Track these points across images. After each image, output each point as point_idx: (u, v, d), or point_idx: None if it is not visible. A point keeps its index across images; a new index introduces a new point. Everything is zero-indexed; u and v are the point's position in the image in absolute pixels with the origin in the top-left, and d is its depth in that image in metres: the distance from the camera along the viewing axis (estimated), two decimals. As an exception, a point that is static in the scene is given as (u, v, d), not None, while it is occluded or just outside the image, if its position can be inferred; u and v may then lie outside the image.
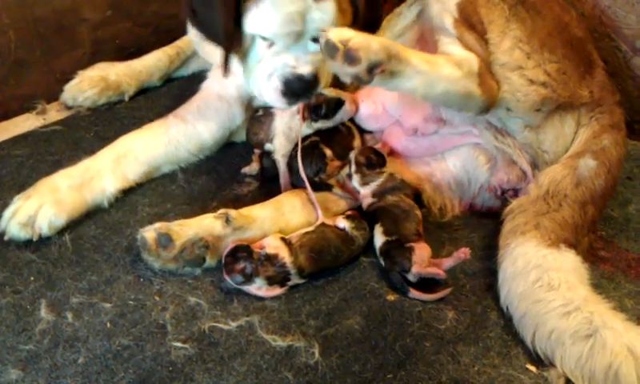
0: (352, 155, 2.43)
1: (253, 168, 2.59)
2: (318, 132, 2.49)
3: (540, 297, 2.00)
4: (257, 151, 2.60)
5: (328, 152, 2.43)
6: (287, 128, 2.48)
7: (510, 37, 2.27)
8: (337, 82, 2.39)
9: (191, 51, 3.15)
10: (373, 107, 2.55)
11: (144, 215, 2.37)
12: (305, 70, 2.23)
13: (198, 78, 2.77)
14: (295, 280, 2.12)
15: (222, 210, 2.19)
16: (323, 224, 2.24)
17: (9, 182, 2.47)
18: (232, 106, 2.61)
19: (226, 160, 2.66)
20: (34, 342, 1.90)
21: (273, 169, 2.51)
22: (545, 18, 2.32)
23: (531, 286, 2.03)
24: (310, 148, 2.41)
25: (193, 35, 2.52)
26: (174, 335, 1.95)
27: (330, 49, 1.93)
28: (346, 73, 1.95)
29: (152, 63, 3.09)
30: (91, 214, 2.34)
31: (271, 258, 2.09)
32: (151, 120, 2.61)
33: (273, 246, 2.13)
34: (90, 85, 2.92)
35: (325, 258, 2.16)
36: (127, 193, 2.43)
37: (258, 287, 2.08)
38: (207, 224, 2.16)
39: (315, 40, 2.23)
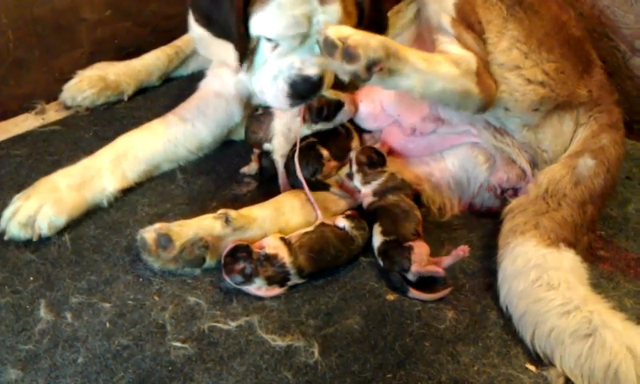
0: (353, 155, 2.44)
1: (252, 168, 2.59)
2: (316, 133, 2.49)
3: (539, 296, 2.00)
4: (256, 151, 2.60)
5: (325, 153, 2.43)
6: (286, 129, 2.47)
7: (507, 37, 2.28)
8: (336, 83, 2.39)
9: (190, 50, 3.16)
10: (371, 106, 2.55)
11: (143, 215, 2.37)
12: (311, 71, 2.23)
13: (197, 77, 2.78)
14: (295, 280, 2.12)
15: (221, 210, 2.19)
16: (323, 224, 2.24)
17: (8, 181, 2.47)
18: (230, 103, 2.61)
19: (225, 160, 2.66)
20: (33, 341, 1.90)
21: (272, 168, 2.51)
22: (542, 17, 2.32)
23: (531, 286, 2.04)
24: (307, 149, 2.41)
25: (196, 34, 2.51)
26: (173, 335, 1.95)
27: (329, 46, 1.93)
28: (345, 70, 1.95)
29: (151, 63, 3.09)
30: (90, 214, 2.34)
31: (271, 258, 2.09)
32: (150, 119, 2.61)
33: (272, 246, 2.13)
34: (89, 84, 2.92)
35: (324, 258, 2.16)
36: (127, 193, 2.43)
37: (258, 287, 2.08)
38: (207, 224, 2.16)
39: None
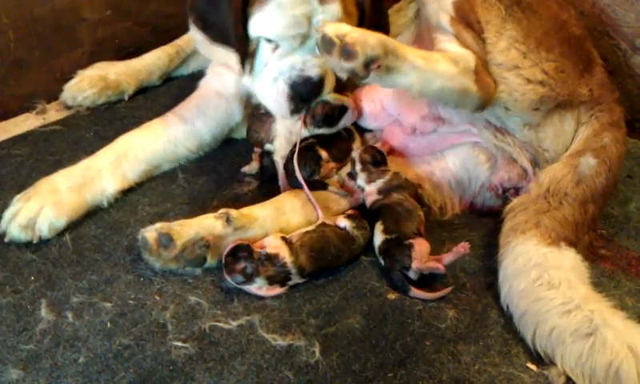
0: (356, 154, 2.43)
1: (253, 167, 2.59)
2: (317, 134, 2.48)
3: (540, 295, 2.00)
4: (257, 150, 2.60)
5: (323, 154, 2.42)
6: (288, 131, 2.46)
7: (505, 37, 2.28)
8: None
9: (191, 50, 3.16)
10: (371, 106, 2.55)
11: (144, 215, 2.37)
12: (312, 72, 2.23)
13: (198, 76, 2.77)
14: (296, 280, 2.12)
15: (222, 210, 2.19)
16: (324, 223, 2.24)
17: (9, 181, 2.47)
18: (231, 103, 2.61)
19: (226, 159, 2.66)
20: (34, 341, 1.90)
21: (273, 168, 2.51)
22: (541, 17, 2.32)
23: (531, 285, 2.04)
24: (306, 150, 2.40)
25: (196, 35, 2.52)
26: (174, 334, 1.95)
27: (327, 43, 1.92)
28: (343, 68, 1.94)
29: (151, 62, 3.09)
30: (91, 214, 2.34)
31: (272, 258, 2.09)
32: (151, 119, 2.61)
33: (273, 245, 2.13)
34: (89, 84, 2.92)
35: (325, 258, 2.16)
36: (127, 192, 2.43)
37: (259, 287, 2.08)
38: (208, 224, 2.16)
39: None
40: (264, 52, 2.27)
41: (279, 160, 2.46)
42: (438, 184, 2.48)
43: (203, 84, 2.67)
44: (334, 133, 2.47)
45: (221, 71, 2.61)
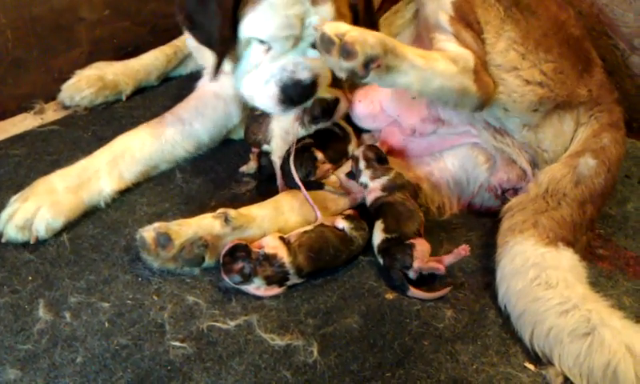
0: (359, 152, 2.42)
1: (251, 167, 2.59)
2: (314, 135, 2.48)
3: (538, 295, 2.00)
4: (255, 150, 2.59)
5: (319, 155, 2.42)
6: (284, 132, 2.46)
7: (504, 38, 2.27)
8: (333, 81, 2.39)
9: (189, 50, 3.15)
10: (370, 106, 2.55)
11: (142, 215, 2.37)
12: (303, 75, 2.22)
13: (196, 77, 2.76)
14: (294, 280, 2.12)
15: (220, 210, 2.19)
16: (322, 224, 2.23)
17: (6, 181, 2.47)
18: (228, 104, 2.60)
19: (224, 159, 2.66)
20: (32, 341, 1.90)
21: (270, 168, 2.51)
22: (540, 18, 2.32)
23: (529, 284, 2.04)
24: (302, 151, 2.40)
25: (191, 40, 2.51)
26: (172, 334, 1.95)
27: (326, 43, 1.91)
28: (342, 67, 1.93)
29: (149, 62, 3.09)
30: (89, 214, 2.34)
31: (270, 258, 2.08)
32: (149, 119, 2.60)
33: (271, 245, 2.13)
34: (87, 84, 2.92)
35: (323, 258, 2.16)
36: (125, 192, 2.43)
37: (257, 287, 2.08)
38: (206, 223, 2.16)
39: (314, 46, 2.22)
40: (255, 53, 2.27)
41: (277, 160, 2.46)
42: (436, 184, 2.48)
43: (201, 85, 2.66)
44: (330, 133, 2.48)
45: (219, 73, 2.61)
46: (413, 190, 2.36)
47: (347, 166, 2.48)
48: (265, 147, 2.52)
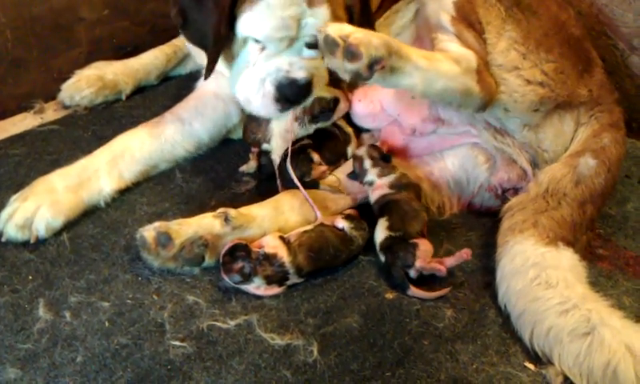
0: (362, 152, 2.41)
1: (250, 166, 2.59)
2: (312, 136, 2.48)
3: (538, 295, 2.00)
4: (254, 149, 2.59)
5: (315, 157, 2.41)
6: (284, 131, 2.46)
7: (505, 38, 2.28)
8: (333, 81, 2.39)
9: (188, 50, 3.15)
10: (370, 106, 2.54)
11: (142, 214, 2.37)
12: (299, 74, 2.22)
13: (195, 76, 2.77)
14: (294, 279, 2.12)
15: (221, 209, 2.19)
16: (322, 223, 2.23)
17: (6, 181, 2.47)
18: (228, 104, 2.60)
19: (224, 159, 2.66)
20: (32, 341, 1.90)
21: (271, 167, 2.50)
22: (541, 18, 2.32)
23: (529, 284, 2.04)
24: (298, 152, 2.40)
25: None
26: (172, 334, 1.95)
27: (330, 44, 1.91)
28: (346, 69, 1.92)
29: (149, 62, 3.08)
30: (89, 213, 2.34)
31: (270, 258, 2.08)
32: (149, 119, 2.60)
33: (271, 245, 2.13)
34: (87, 84, 2.92)
35: (323, 258, 2.16)
36: (125, 192, 2.43)
37: (257, 286, 2.08)
38: (206, 223, 2.16)
39: (309, 46, 2.22)
40: (251, 52, 2.27)
41: (277, 159, 2.46)
42: (436, 184, 2.48)
43: (200, 85, 2.66)
44: (328, 135, 2.48)
45: (218, 73, 2.61)
46: (416, 191, 2.36)
47: (347, 167, 2.48)
48: (264, 146, 2.52)
